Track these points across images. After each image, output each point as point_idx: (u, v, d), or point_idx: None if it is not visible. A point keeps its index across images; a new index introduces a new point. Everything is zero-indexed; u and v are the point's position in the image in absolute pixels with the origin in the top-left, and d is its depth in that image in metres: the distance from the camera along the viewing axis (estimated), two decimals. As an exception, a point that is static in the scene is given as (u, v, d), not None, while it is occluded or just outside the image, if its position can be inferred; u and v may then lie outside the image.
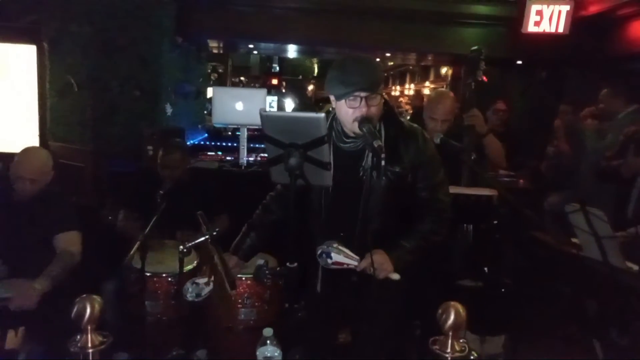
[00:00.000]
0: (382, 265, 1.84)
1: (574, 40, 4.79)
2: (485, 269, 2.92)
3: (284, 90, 15.40)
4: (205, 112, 6.39)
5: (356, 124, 1.77)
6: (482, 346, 2.91)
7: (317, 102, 11.75)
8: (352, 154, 1.88)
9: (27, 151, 2.69)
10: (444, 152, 2.82)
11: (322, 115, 1.54)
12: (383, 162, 1.79)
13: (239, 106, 3.89)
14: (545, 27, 4.82)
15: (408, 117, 9.91)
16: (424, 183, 1.89)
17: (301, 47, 6.43)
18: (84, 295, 1.38)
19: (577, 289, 2.56)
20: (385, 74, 12.74)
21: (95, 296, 1.40)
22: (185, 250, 2.07)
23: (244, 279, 2.73)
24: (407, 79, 11.95)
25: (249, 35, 5.40)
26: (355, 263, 1.85)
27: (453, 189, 2.69)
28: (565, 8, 4.76)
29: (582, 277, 2.49)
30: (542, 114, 5.04)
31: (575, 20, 4.72)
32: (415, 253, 1.88)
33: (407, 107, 10.86)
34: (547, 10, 4.80)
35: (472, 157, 2.88)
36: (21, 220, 2.59)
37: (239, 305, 2.69)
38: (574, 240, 2.53)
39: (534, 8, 4.81)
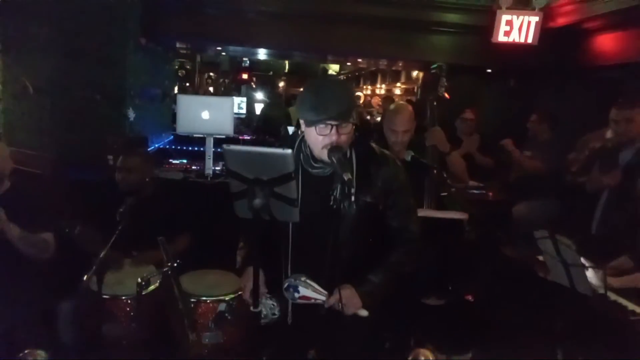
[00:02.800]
0: (351, 301, 1.79)
1: (543, 50, 4.84)
2: (450, 287, 2.95)
3: (254, 86, 15.19)
4: (172, 112, 6.22)
5: (325, 151, 1.72)
6: (448, 363, 2.93)
7: (288, 100, 11.63)
8: (321, 179, 1.82)
9: None
10: (413, 169, 2.82)
11: (289, 151, 1.47)
12: (353, 193, 1.73)
13: (205, 115, 3.77)
14: (515, 37, 4.84)
15: (379, 119, 9.94)
16: (394, 211, 1.86)
17: (271, 51, 6.32)
18: (27, 350, 1.28)
19: (542, 307, 2.57)
20: (357, 74, 12.72)
21: (39, 351, 1.31)
22: (143, 283, 1.98)
23: (208, 301, 2.66)
24: (379, 79, 11.94)
25: (218, 38, 5.26)
26: (324, 298, 1.80)
27: (423, 212, 2.69)
28: (535, 19, 4.79)
29: (548, 295, 2.50)
30: (511, 122, 5.09)
31: (544, 32, 4.76)
32: (384, 287, 1.84)
33: (378, 107, 10.86)
34: (517, 20, 4.81)
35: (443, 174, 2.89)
36: None
37: (204, 331, 2.62)
38: (540, 258, 2.53)
39: (504, 18, 4.82)
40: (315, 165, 1.82)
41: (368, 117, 10.24)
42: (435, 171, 2.81)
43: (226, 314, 1.74)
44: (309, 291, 1.79)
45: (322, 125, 1.70)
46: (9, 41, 4.34)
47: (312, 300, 1.80)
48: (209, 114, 3.77)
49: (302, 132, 1.83)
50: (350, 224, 1.80)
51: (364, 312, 1.81)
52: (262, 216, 1.51)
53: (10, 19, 4.30)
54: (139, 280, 2.00)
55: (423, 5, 4.89)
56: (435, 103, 2.94)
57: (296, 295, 1.80)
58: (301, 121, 1.79)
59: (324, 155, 1.73)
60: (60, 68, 4.32)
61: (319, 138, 1.72)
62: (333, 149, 1.70)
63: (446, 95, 2.98)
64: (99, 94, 4.31)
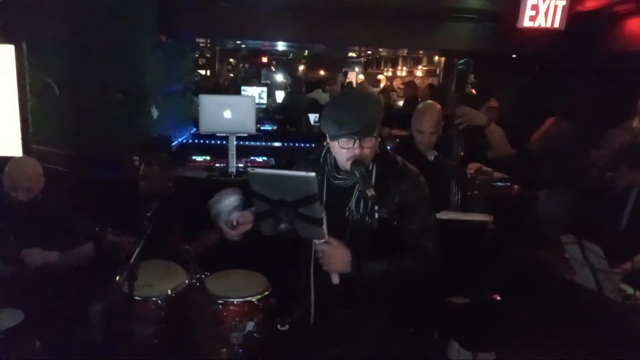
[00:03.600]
0: (336, 263, 1.72)
1: (569, 35, 4.69)
2: (475, 286, 2.95)
3: (273, 69, 15.14)
4: (194, 104, 6.24)
5: (349, 164, 1.73)
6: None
7: (308, 85, 11.58)
8: (342, 190, 1.83)
9: (17, 162, 2.84)
10: (437, 169, 2.81)
11: (313, 174, 1.48)
12: (377, 210, 1.73)
13: (227, 114, 3.78)
14: (541, 22, 4.71)
15: (400, 103, 9.82)
16: (410, 227, 1.83)
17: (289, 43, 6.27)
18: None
19: (567, 310, 2.55)
20: (377, 57, 12.55)
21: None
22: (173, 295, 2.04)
23: (235, 302, 2.72)
24: (400, 62, 11.78)
25: (235, 33, 5.24)
26: (320, 241, 1.72)
27: (447, 215, 2.69)
28: (562, 3, 4.64)
29: (574, 299, 2.48)
30: (533, 109, 4.99)
31: (572, 16, 4.61)
32: (381, 277, 1.78)
33: (399, 90, 10.72)
34: (543, 4, 4.67)
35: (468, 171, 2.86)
36: (26, 226, 2.66)
37: (231, 331, 2.68)
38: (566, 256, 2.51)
39: (530, 2, 4.68)
40: (339, 176, 1.84)
41: (391, 101, 10.10)
42: (465, 172, 2.79)
43: (254, 333, 1.77)
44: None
45: (344, 139, 1.70)
46: (32, 41, 4.40)
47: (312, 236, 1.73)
48: (230, 113, 3.78)
49: (327, 143, 1.84)
50: (366, 236, 1.80)
51: (335, 279, 1.73)
52: (287, 237, 1.53)
53: (32, 20, 4.34)
54: (169, 291, 2.05)
55: (440, -7, 4.78)
56: (460, 101, 2.88)
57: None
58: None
59: (347, 166, 1.75)
60: (81, 67, 4.35)
61: (343, 151, 1.74)
62: (356, 162, 1.71)
63: (473, 91, 2.93)
64: (120, 92, 4.34)
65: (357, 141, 1.70)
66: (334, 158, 1.83)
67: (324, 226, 1.63)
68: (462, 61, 2.85)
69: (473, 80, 2.86)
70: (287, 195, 1.52)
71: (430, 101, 3.14)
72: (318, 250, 1.73)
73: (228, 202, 1.77)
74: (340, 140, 1.72)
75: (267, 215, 1.57)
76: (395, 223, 1.78)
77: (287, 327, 1.63)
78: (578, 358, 2.30)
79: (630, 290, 2.25)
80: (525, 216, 3.59)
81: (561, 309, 2.63)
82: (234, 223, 1.80)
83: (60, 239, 2.72)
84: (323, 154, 1.90)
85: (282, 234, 1.50)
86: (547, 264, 2.60)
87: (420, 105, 3.05)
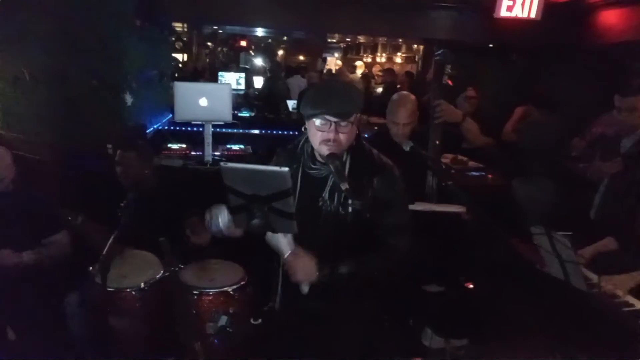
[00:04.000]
0: (304, 270, 1.74)
1: (545, 26, 4.75)
2: (449, 275, 3.00)
3: (252, 53, 14.97)
4: (170, 91, 6.13)
5: (323, 147, 1.73)
6: (446, 348, 3.00)
7: (288, 70, 11.49)
8: (317, 180, 1.84)
9: None
10: (412, 160, 2.83)
11: (286, 169, 1.48)
12: (350, 204, 1.74)
13: (203, 102, 3.74)
14: (518, 12, 4.78)
15: (379, 90, 9.82)
16: (382, 221, 1.83)
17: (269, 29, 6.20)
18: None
19: (537, 299, 2.62)
20: (357, 43, 12.50)
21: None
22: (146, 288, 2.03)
23: (211, 293, 2.71)
24: (379, 49, 11.77)
25: (214, 18, 5.16)
26: (286, 253, 1.76)
27: (422, 206, 2.72)
28: (538, -7, 4.70)
29: (546, 287, 2.55)
30: (512, 98, 5.04)
31: (547, 7, 4.67)
32: (346, 279, 1.80)
33: (378, 75, 10.72)
34: (519, -5, 4.73)
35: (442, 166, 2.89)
36: (1, 219, 2.61)
37: (207, 321, 2.67)
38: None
39: (507, -7, 4.74)
40: (314, 166, 1.84)
41: (370, 88, 10.11)
42: (439, 162, 2.82)
43: (227, 328, 1.77)
44: (281, 238, 1.75)
45: (321, 120, 1.69)
46: (3, 29, 4.25)
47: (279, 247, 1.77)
48: (206, 100, 3.74)
49: (306, 129, 1.82)
50: (339, 228, 1.81)
51: (305, 288, 1.75)
52: (260, 232, 1.53)
53: (2, 7, 4.20)
54: (142, 284, 2.03)
55: (422, -19, 4.78)
56: (439, 92, 2.89)
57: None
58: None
59: (322, 150, 1.74)
60: (54, 54, 4.23)
61: (318, 134, 1.73)
62: (331, 155, 1.71)
63: (449, 82, 2.95)
64: (95, 79, 4.25)
65: (334, 124, 1.69)
66: (311, 147, 1.82)
67: (290, 236, 1.66)
68: (439, 52, 2.85)
69: (449, 71, 2.87)
70: (261, 190, 1.52)
71: (404, 92, 3.15)
72: (282, 262, 1.75)
73: (220, 223, 1.77)
74: (316, 121, 1.71)
75: (241, 210, 1.57)
76: (368, 216, 1.78)
77: (260, 321, 1.64)
78: (547, 342, 2.37)
79: (594, 277, 2.31)
80: (500, 205, 3.65)
81: (532, 298, 2.69)
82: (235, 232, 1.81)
83: (34, 229, 2.66)
84: (301, 143, 1.90)
85: (254, 229, 1.50)
86: (520, 254, 2.65)
87: (394, 97, 3.05)
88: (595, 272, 2.36)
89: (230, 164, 1.50)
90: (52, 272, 2.70)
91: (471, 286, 3.05)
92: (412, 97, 2.98)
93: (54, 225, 2.77)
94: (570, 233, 2.26)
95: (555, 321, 2.45)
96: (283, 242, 1.75)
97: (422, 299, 3.03)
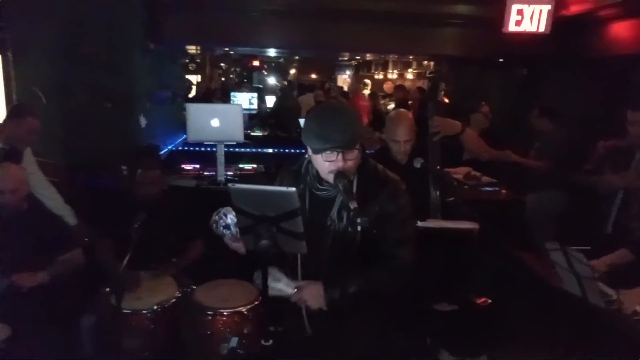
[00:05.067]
0: (314, 299, 1.78)
1: (555, 39, 4.74)
2: (461, 293, 2.96)
3: (265, 73, 15.15)
4: (183, 111, 6.23)
5: (331, 175, 1.73)
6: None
7: (300, 88, 11.59)
8: (324, 200, 1.84)
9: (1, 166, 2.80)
10: (415, 176, 2.82)
11: (294, 189, 1.49)
12: (359, 222, 1.74)
13: (215, 122, 3.78)
14: (527, 27, 4.76)
15: (390, 107, 9.84)
16: (387, 235, 1.82)
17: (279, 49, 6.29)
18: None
19: (554, 314, 2.57)
20: (368, 60, 12.58)
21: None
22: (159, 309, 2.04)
23: (225, 313, 2.71)
24: (390, 65, 11.82)
25: (225, 39, 5.25)
26: (290, 292, 1.79)
27: (433, 222, 2.70)
28: (547, 7, 4.69)
29: (561, 304, 2.50)
30: (521, 112, 5.02)
31: (557, 20, 4.66)
32: (354, 298, 1.80)
33: (390, 90, 10.75)
34: (528, 9, 4.73)
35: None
36: (17, 236, 2.64)
37: (220, 342, 2.66)
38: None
39: (515, 7, 4.73)
40: (321, 187, 1.84)
41: (381, 105, 10.13)
42: (444, 175, 2.81)
43: (238, 350, 1.77)
44: (278, 284, 1.78)
45: (328, 152, 1.71)
46: (19, 49, 4.38)
47: (281, 292, 1.80)
48: (218, 121, 3.78)
49: (309, 155, 1.84)
50: (348, 247, 1.80)
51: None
52: (268, 253, 1.53)
53: (19, 27, 4.32)
54: (156, 307, 2.04)
55: (430, -1, 4.82)
56: (435, 109, 2.89)
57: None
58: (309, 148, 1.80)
59: (330, 178, 1.75)
60: (69, 75, 4.35)
61: (325, 164, 1.73)
62: (339, 174, 1.71)
63: (445, 99, 2.96)
64: (108, 100, 4.34)
65: (341, 154, 1.70)
66: (316, 169, 1.83)
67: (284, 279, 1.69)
68: (431, 71, 2.89)
69: (444, 88, 2.88)
70: (269, 210, 1.52)
71: (401, 109, 3.18)
72: (293, 300, 1.78)
73: (229, 220, 1.78)
74: (323, 154, 1.72)
75: (249, 231, 1.58)
76: (374, 232, 1.78)
77: (270, 342, 1.63)
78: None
79: (612, 292, 2.26)
80: (513, 221, 3.62)
81: (548, 315, 2.64)
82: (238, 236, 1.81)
83: (49, 246, 2.70)
84: (304, 165, 1.90)
85: (262, 249, 1.51)
86: (533, 270, 2.61)
87: (391, 114, 3.06)
88: (610, 285, 2.31)
89: (238, 185, 1.52)
90: (65, 289, 2.73)
91: (486, 303, 3.00)
92: (409, 114, 2.99)
93: (67, 243, 2.81)
94: (587, 248, 2.22)
95: (573, 338, 2.40)
96: (281, 286, 1.78)
97: (436, 318, 2.99)
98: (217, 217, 1.81)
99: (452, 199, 2.49)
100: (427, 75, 2.79)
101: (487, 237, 2.61)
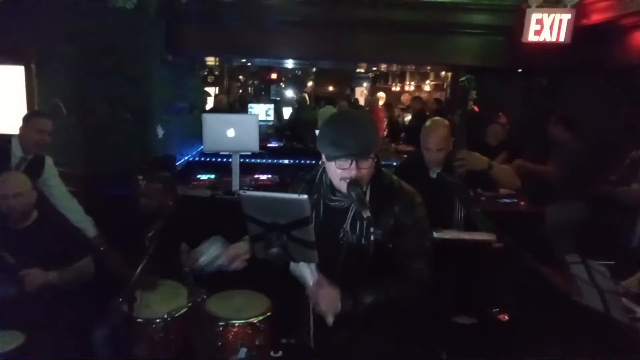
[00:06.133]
0: (329, 302, 1.72)
1: (576, 48, 4.65)
2: (480, 306, 2.89)
3: (283, 85, 15.24)
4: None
5: (343, 184, 1.71)
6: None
7: (317, 100, 11.64)
8: (338, 211, 1.81)
9: (4, 174, 2.85)
10: (439, 187, 2.77)
11: (305, 197, 1.46)
12: (372, 232, 1.70)
13: (231, 132, 3.80)
14: (546, 36, 4.68)
15: (407, 118, 9.80)
16: (404, 248, 1.78)
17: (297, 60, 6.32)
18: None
19: (575, 329, 2.49)
20: (385, 72, 12.57)
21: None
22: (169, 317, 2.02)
23: (237, 324, 2.68)
24: (407, 77, 11.80)
25: (243, 51, 5.28)
26: (310, 283, 1.75)
27: (450, 234, 2.64)
28: (567, 17, 4.61)
29: (582, 318, 2.42)
30: (541, 122, 4.93)
31: (578, 29, 4.58)
32: (370, 309, 1.75)
33: (408, 102, 10.71)
34: (547, 19, 4.65)
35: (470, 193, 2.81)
36: (26, 245, 2.67)
37: (232, 353, 2.63)
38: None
39: (534, 17, 4.66)
40: (334, 197, 1.81)
41: (397, 117, 10.09)
42: (462, 189, 2.74)
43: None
44: (305, 268, 1.74)
45: (341, 160, 1.68)
46: (41, 62, 4.47)
47: (302, 277, 1.77)
48: (234, 131, 3.80)
49: (323, 162, 1.81)
50: (361, 259, 1.77)
51: (330, 319, 1.72)
52: (279, 262, 1.50)
53: (41, 41, 4.42)
54: (166, 316, 2.02)
55: (448, 8, 4.77)
56: (464, 119, 2.83)
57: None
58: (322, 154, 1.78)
59: (342, 187, 1.72)
60: (87, 86, 4.43)
61: (338, 171, 1.71)
62: (352, 183, 1.68)
63: (476, 108, 2.90)
64: (127, 111, 4.39)
65: (354, 162, 1.68)
66: (329, 179, 1.80)
67: (313, 265, 1.62)
68: (463, 78, 2.80)
69: (475, 96, 2.81)
70: (280, 218, 1.50)
71: (437, 118, 3.10)
72: (308, 294, 1.73)
73: (207, 258, 1.79)
74: (336, 161, 1.70)
75: (260, 239, 1.55)
76: (390, 245, 1.74)
77: (280, 353, 1.60)
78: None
79: (637, 309, 2.18)
80: (532, 233, 3.53)
81: (569, 330, 2.55)
82: (228, 262, 1.80)
83: (59, 256, 2.71)
84: (319, 174, 1.88)
85: (272, 258, 1.48)
86: (554, 283, 2.53)
87: (427, 123, 3.01)
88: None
89: (248, 192, 1.50)
90: (77, 298, 2.74)
91: (505, 317, 2.92)
92: (446, 122, 2.93)
93: (79, 252, 2.83)
94: (611, 262, 2.15)
95: (594, 354, 2.31)
96: (306, 272, 1.73)
97: (454, 331, 2.92)
98: (199, 249, 1.81)
99: (478, 210, 2.42)
100: (458, 83, 2.73)
101: (507, 249, 2.54)
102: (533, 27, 4.67)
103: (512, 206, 3.84)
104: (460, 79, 2.79)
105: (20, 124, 3.32)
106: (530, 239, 3.53)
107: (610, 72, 4.70)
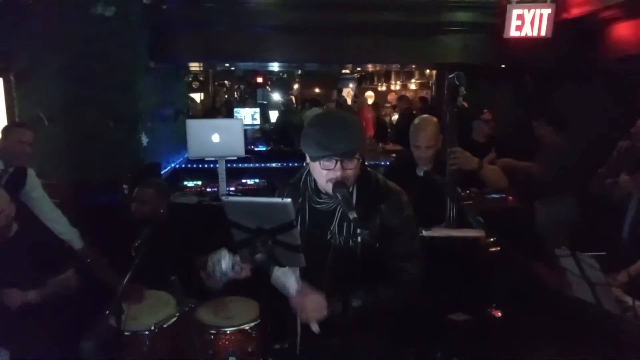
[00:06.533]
0: (312, 311, 1.69)
1: (558, 43, 4.68)
2: (474, 302, 2.87)
3: (269, 89, 15.21)
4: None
5: (330, 185, 1.67)
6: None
7: (303, 103, 11.61)
8: (324, 213, 1.78)
9: None
10: (428, 185, 2.75)
11: (289, 200, 1.43)
12: (359, 233, 1.67)
13: (215, 138, 3.76)
14: (528, 31, 4.71)
15: (395, 117, 9.81)
16: (393, 250, 1.75)
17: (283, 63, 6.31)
18: None
19: (567, 325, 2.48)
20: (371, 72, 12.61)
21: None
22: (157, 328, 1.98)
23: (228, 332, 2.64)
24: (392, 76, 11.83)
25: (228, 55, 5.26)
26: (293, 292, 1.71)
27: (439, 232, 2.63)
28: (547, 11, 4.65)
29: (574, 312, 2.42)
30: (527, 119, 4.95)
31: (558, 24, 4.61)
32: (360, 312, 1.70)
33: (394, 101, 10.74)
34: (528, 14, 4.68)
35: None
36: (7, 259, 2.58)
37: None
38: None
39: (515, 12, 4.69)
40: (320, 200, 1.78)
41: (384, 116, 10.10)
42: (455, 188, 2.72)
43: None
44: (289, 277, 1.71)
45: (326, 160, 1.65)
46: (21, 71, 4.40)
47: (284, 287, 1.73)
48: (219, 136, 3.76)
49: (307, 164, 1.78)
50: (350, 261, 1.74)
51: (315, 327, 1.68)
52: (265, 268, 1.47)
53: (21, 49, 4.35)
54: (153, 327, 1.98)
55: (430, 7, 4.79)
56: (454, 115, 2.79)
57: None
58: (307, 155, 1.75)
59: (328, 188, 1.69)
60: (72, 95, 4.37)
61: (323, 172, 1.67)
62: (337, 184, 1.65)
63: (465, 104, 2.87)
64: (111, 119, 4.33)
65: (339, 163, 1.64)
66: (314, 181, 1.77)
67: (298, 273, 1.60)
68: (452, 75, 2.77)
69: (464, 92, 2.79)
70: (265, 223, 1.47)
71: (425, 115, 3.07)
72: (292, 304, 1.69)
73: (224, 267, 1.75)
74: (321, 162, 1.66)
75: (245, 244, 1.52)
76: (378, 246, 1.71)
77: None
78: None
79: (628, 299, 2.18)
80: (522, 228, 3.53)
81: (562, 324, 2.55)
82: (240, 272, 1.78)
83: (40, 269, 2.65)
84: (303, 177, 1.85)
85: (258, 264, 1.45)
86: (544, 278, 2.52)
87: (415, 120, 2.98)
88: (630, 293, 2.22)
89: (231, 198, 1.47)
90: (62, 311, 2.68)
91: (498, 314, 2.91)
92: (434, 119, 2.90)
93: (60, 264, 2.76)
94: (602, 253, 2.14)
95: (588, 346, 2.31)
96: (290, 281, 1.70)
97: (447, 329, 2.90)
98: (210, 264, 1.77)
99: (470, 202, 2.40)
100: (447, 79, 2.68)
101: (498, 244, 2.53)
102: (514, 22, 4.71)
103: (501, 202, 3.82)
104: (450, 75, 2.76)
105: (-1, 136, 3.26)
106: (520, 234, 3.54)
107: (593, 66, 4.72)
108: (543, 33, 4.67)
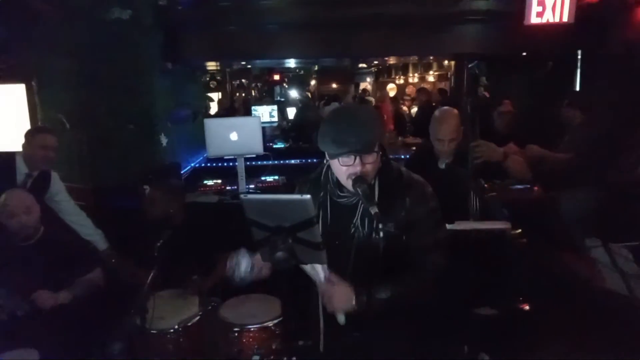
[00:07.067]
0: (339, 301, 1.65)
1: (579, 29, 4.55)
2: (501, 296, 2.81)
3: (286, 86, 15.23)
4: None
5: (350, 182, 1.65)
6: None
7: (322, 98, 11.58)
8: (346, 207, 1.75)
9: (6, 192, 2.81)
10: (450, 178, 2.70)
11: (308, 196, 1.40)
12: (381, 228, 1.64)
13: (234, 136, 3.76)
14: (549, 17, 4.57)
15: (414, 110, 9.71)
16: (418, 242, 1.72)
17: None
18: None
19: (598, 317, 2.41)
20: (388, 66, 12.49)
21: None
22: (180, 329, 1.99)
23: (252, 329, 2.64)
24: (410, 70, 11.71)
25: (243, 54, 5.25)
26: (321, 279, 1.68)
27: (464, 225, 2.58)
28: (569, -5, 4.52)
29: (605, 306, 2.34)
30: (548, 106, 4.83)
31: (580, 8, 4.48)
32: (385, 305, 1.68)
33: (413, 94, 10.64)
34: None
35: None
36: (35, 260, 2.65)
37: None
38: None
39: (535, -2, 4.58)
40: (342, 194, 1.76)
41: (404, 109, 9.99)
42: (479, 180, 2.67)
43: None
44: (317, 266, 1.67)
45: (344, 157, 1.63)
46: (42, 78, 4.47)
47: (312, 273, 1.70)
48: (237, 134, 3.76)
49: (327, 160, 1.76)
50: (373, 254, 1.70)
51: (341, 318, 1.66)
52: (285, 267, 1.45)
53: (40, 56, 4.42)
54: (177, 326, 1.99)
55: (448, -3, 4.70)
56: (475, 106, 2.73)
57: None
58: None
59: (348, 185, 1.67)
60: (90, 100, 4.41)
61: (343, 169, 1.65)
62: (357, 179, 1.63)
63: (486, 94, 2.81)
64: (130, 122, 4.37)
65: (358, 158, 1.62)
66: (335, 176, 1.75)
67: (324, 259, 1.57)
68: (472, 64, 2.71)
69: (485, 82, 2.71)
70: (284, 221, 1.45)
71: (446, 107, 3.01)
72: (319, 291, 1.67)
73: (242, 271, 1.74)
74: (340, 159, 1.64)
75: (265, 243, 1.50)
76: (404, 238, 1.68)
77: (294, 359, 1.55)
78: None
79: None
80: (549, 219, 3.44)
81: (592, 316, 2.48)
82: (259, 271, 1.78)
83: (67, 270, 2.71)
84: (324, 172, 1.83)
85: (279, 262, 1.43)
86: (574, 270, 2.45)
87: (436, 113, 2.93)
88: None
89: (250, 196, 1.45)
90: (89, 312, 2.72)
91: (526, 307, 2.85)
92: (455, 111, 2.85)
93: (87, 264, 2.82)
94: (636, 243, 2.07)
95: (620, 340, 2.23)
96: (318, 268, 1.67)
97: (474, 324, 2.85)
98: (230, 266, 1.77)
99: (494, 193, 2.33)
100: (467, 69, 2.62)
101: (524, 236, 2.47)
102: (535, 8, 4.58)
103: (526, 192, 3.73)
104: (470, 65, 2.69)
105: (22, 140, 3.31)
106: (547, 225, 3.46)
107: (616, 50, 4.58)
108: (565, 18, 4.53)
